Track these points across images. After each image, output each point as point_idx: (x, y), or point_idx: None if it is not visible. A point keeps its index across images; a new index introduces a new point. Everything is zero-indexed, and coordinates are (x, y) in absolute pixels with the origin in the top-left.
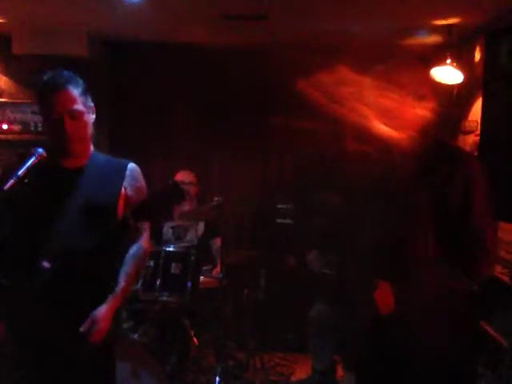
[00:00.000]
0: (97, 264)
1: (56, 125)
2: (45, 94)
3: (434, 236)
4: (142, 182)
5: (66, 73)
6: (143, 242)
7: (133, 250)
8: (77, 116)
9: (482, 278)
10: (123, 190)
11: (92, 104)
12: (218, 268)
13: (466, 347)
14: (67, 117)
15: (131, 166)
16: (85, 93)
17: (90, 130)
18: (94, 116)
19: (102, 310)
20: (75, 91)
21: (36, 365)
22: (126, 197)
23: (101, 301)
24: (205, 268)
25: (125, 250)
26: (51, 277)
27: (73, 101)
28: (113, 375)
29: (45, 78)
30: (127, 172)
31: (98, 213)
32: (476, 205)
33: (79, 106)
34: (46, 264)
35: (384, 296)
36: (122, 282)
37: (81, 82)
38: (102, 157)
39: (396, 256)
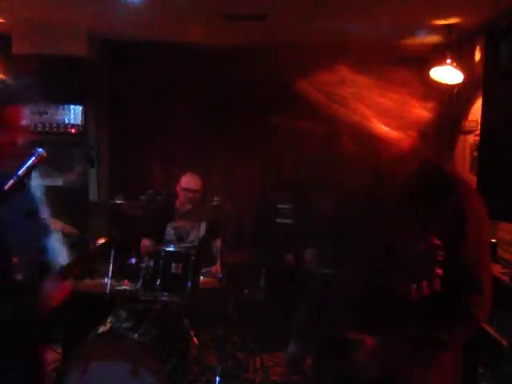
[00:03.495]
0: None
1: None
2: None
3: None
4: None
5: None
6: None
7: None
8: None
9: (476, 324)
10: None
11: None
12: (218, 266)
13: (465, 347)
14: None
15: None
16: None
17: None
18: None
19: None
20: None
21: None
22: None
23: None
24: (205, 269)
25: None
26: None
27: None
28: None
29: None
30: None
31: None
32: (469, 239)
33: None
34: (19, 276)
35: (370, 356)
36: None
37: None
38: None
39: (379, 302)
